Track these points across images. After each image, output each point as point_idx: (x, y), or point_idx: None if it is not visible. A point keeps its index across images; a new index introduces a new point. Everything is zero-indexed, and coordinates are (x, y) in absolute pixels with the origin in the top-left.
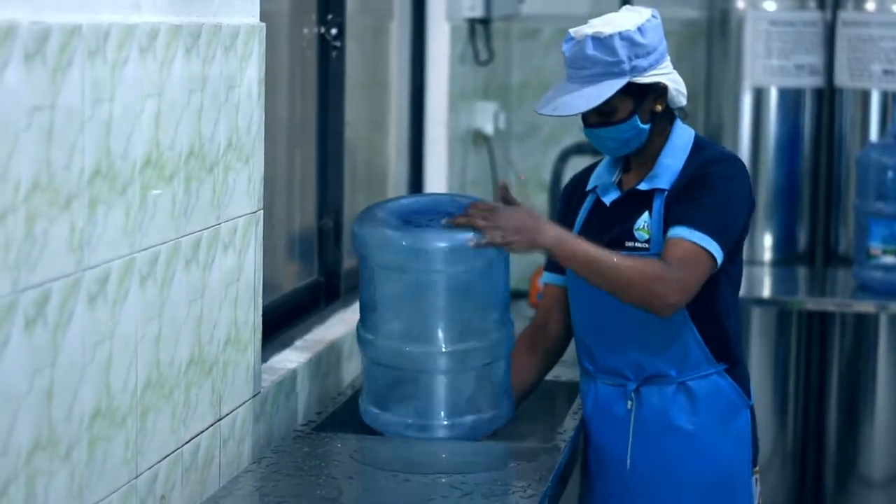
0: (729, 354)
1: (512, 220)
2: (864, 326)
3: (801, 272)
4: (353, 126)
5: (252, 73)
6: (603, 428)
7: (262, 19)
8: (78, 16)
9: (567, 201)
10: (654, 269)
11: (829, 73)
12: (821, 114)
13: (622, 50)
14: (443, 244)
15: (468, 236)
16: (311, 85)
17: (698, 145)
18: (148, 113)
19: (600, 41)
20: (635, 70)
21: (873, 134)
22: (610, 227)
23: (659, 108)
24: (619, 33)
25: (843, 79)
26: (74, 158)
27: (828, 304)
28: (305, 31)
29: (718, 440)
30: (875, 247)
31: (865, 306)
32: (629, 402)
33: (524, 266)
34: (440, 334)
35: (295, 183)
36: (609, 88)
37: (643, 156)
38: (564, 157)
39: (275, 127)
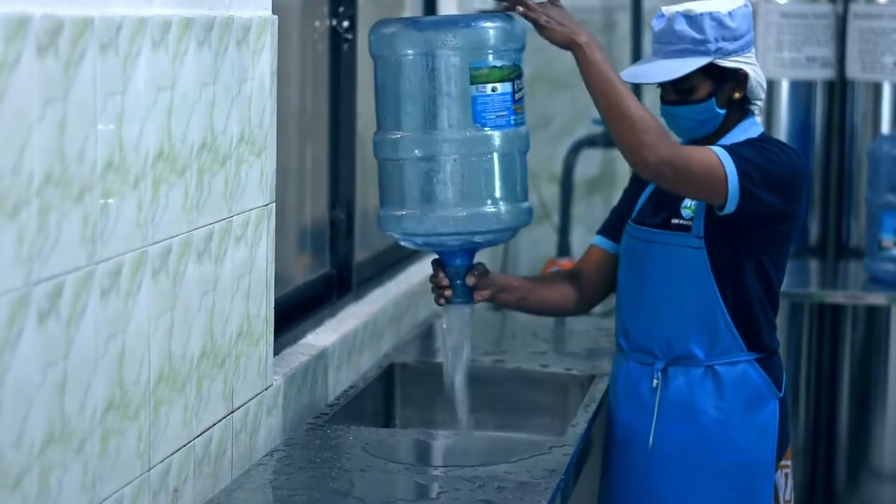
0: (762, 345)
1: (560, 12)
2: (875, 319)
3: (813, 265)
4: (365, 118)
5: (264, 66)
6: (629, 406)
7: (273, 12)
8: (90, 9)
9: (632, 183)
10: (658, 124)
11: (840, 65)
12: (832, 106)
13: (710, 30)
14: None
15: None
16: (323, 78)
17: (762, 139)
18: (160, 106)
19: (690, 18)
20: (720, 52)
21: (885, 126)
22: (662, 207)
23: (737, 95)
24: (710, 13)
25: (854, 71)
26: (87, 151)
27: (839, 297)
28: (317, 23)
29: (742, 429)
30: (887, 239)
31: (877, 299)
32: (655, 381)
33: (536, 256)
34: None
35: (307, 176)
36: (692, 64)
37: (711, 143)
38: (576, 149)
39: (287, 120)
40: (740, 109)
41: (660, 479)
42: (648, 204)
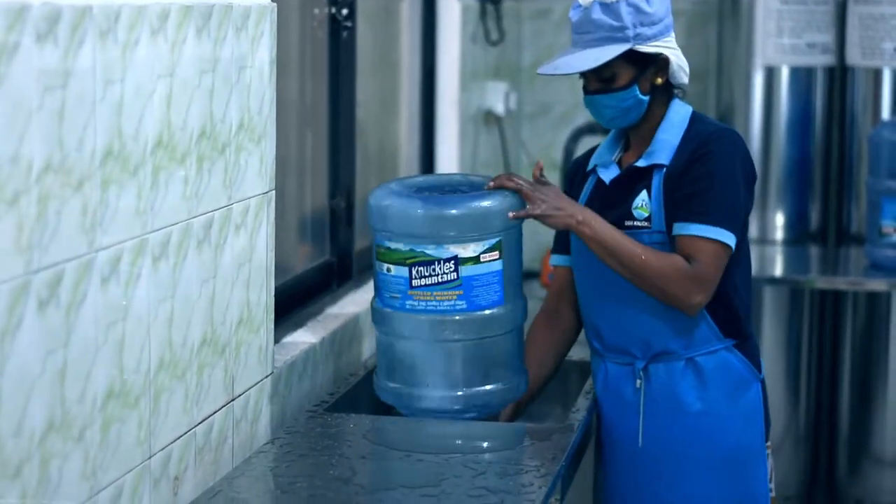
0: (738, 330)
1: (553, 195)
2: (876, 305)
3: (814, 251)
4: (365, 106)
5: (263, 54)
6: (614, 407)
7: (272, 0)
8: None
9: (570, 183)
10: (679, 271)
11: (840, 51)
12: (832, 92)
13: (628, 16)
14: (463, 211)
15: (489, 204)
16: (323, 65)
17: (695, 119)
18: (159, 94)
19: (607, 6)
20: (639, 37)
21: (885, 112)
22: (610, 206)
23: (660, 80)
24: (626, 0)
25: (854, 57)
26: (86, 139)
27: (840, 283)
28: (316, 11)
29: (729, 416)
30: (887, 225)
31: (878, 285)
32: (638, 381)
33: (535, 246)
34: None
35: (306, 163)
36: (611, 52)
37: (642, 132)
38: (576, 136)
39: (286, 107)
40: (665, 94)
41: (655, 478)
42: (592, 205)
